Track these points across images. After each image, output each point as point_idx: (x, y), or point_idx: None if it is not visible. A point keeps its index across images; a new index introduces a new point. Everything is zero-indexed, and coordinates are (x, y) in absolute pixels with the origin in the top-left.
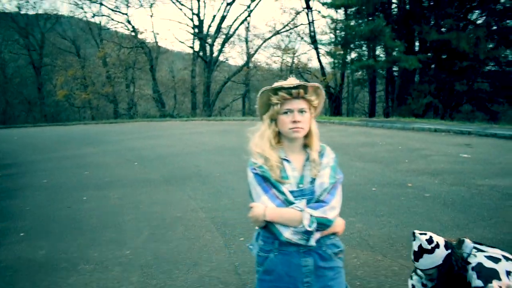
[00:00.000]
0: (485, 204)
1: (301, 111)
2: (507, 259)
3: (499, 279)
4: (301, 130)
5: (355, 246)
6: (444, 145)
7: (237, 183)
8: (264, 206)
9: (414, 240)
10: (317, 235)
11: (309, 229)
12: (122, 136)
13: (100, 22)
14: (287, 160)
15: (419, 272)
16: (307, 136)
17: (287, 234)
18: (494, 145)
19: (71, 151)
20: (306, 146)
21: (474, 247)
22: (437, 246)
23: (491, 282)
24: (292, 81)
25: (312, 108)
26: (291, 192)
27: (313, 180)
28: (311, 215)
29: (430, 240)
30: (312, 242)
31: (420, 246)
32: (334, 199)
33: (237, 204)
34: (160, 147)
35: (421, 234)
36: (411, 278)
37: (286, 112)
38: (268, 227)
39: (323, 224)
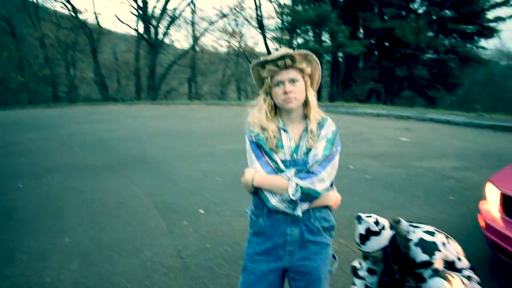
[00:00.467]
0: (422, 184)
1: (292, 80)
2: (438, 232)
3: (439, 250)
4: (293, 100)
5: None
6: (385, 129)
7: (182, 169)
8: (254, 172)
9: (360, 223)
10: (304, 206)
11: (293, 198)
12: (62, 121)
13: (36, 0)
14: (284, 130)
15: (362, 268)
16: (305, 106)
17: (273, 201)
18: (431, 129)
19: (6, 138)
20: (306, 117)
21: (410, 225)
22: (383, 227)
23: (434, 254)
24: (281, 51)
25: (306, 76)
26: (284, 161)
27: (308, 151)
28: (296, 184)
29: (377, 222)
30: (298, 212)
31: (368, 229)
32: (324, 171)
33: (181, 189)
34: (102, 131)
35: (367, 217)
36: (354, 284)
37: (278, 84)
38: (257, 193)
39: (309, 195)
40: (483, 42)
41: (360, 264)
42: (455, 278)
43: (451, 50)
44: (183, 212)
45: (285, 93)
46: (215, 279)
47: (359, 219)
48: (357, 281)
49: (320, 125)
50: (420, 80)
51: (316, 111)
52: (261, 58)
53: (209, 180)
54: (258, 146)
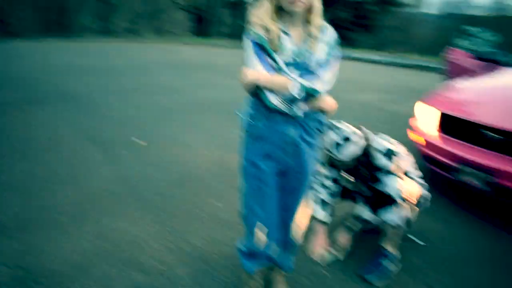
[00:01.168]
0: (357, 116)
1: None
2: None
3: (398, 156)
4: (300, 3)
5: None
6: None
7: (114, 104)
8: (256, 72)
9: (336, 131)
10: (303, 106)
11: (297, 96)
12: None
13: None
14: (286, 33)
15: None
16: (309, 11)
17: (275, 101)
18: (355, 67)
19: None
20: (308, 22)
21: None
22: (360, 137)
23: (393, 159)
24: None
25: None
26: (286, 63)
27: (309, 55)
28: (300, 84)
29: (353, 132)
30: (299, 111)
31: (346, 139)
32: (325, 73)
33: (116, 123)
34: (19, 66)
35: (345, 125)
36: (318, 192)
37: None
38: (258, 94)
39: (310, 94)
40: None
41: (326, 174)
42: (410, 180)
43: None
44: (122, 144)
45: None
46: (167, 202)
47: (334, 127)
48: (322, 190)
49: (322, 31)
50: (341, 22)
51: (319, 17)
52: None
53: (144, 114)
54: (260, 47)
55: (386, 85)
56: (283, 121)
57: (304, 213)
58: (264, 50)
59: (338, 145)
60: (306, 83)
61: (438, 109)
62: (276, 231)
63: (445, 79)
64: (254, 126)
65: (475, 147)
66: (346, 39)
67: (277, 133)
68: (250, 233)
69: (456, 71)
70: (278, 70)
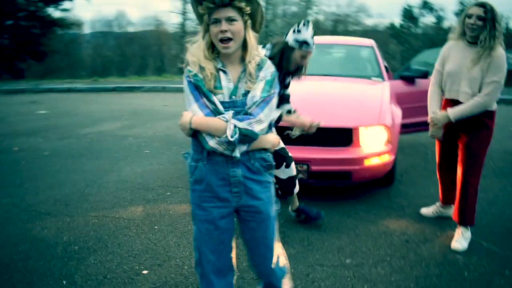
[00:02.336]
0: (109, 148)
1: (230, 19)
2: None
3: None
4: (229, 42)
5: None
6: (9, 105)
7: None
8: (192, 114)
9: (307, 26)
10: (243, 148)
11: (231, 139)
12: None
13: None
14: (223, 71)
15: None
16: (244, 48)
17: (212, 143)
18: (59, 99)
19: None
20: (244, 59)
21: None
22: None
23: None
24: None
25: (245, 16)
26: (223, 103)
27: (247, 93)
28: (235, 126)
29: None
30: (237, 153)
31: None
32: (261, 113)
33: None
34: None
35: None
36: None
37: (214, 22)
38: (196, 136)
39: (247, 136)
40: (68, 4)
41: None
42: None
43: (33, 16)
44: None
45: (222, 32)
46: None
47: (306, 23)
48: None
49: (259, 67)
50: (3, 51)
51: (255, 54)
52: None
53: None
54: (196, 87)
55: (114, 111)
56: (223, 162)
57: (278, 247)
58: (199, 89)
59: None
60: (242, 125)
61: None
62: (228, 272)
63: None
64: (196, 168)
65: (293, 146)
66: (11, 72)
67: (219, 175)
68: (203, 276)
69: None
70: (214, 110)
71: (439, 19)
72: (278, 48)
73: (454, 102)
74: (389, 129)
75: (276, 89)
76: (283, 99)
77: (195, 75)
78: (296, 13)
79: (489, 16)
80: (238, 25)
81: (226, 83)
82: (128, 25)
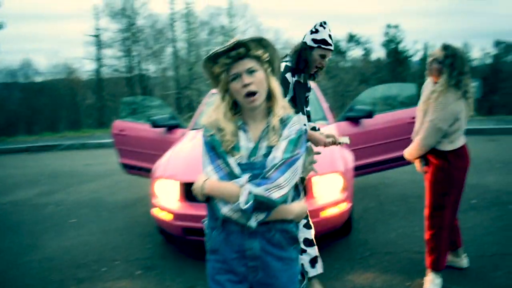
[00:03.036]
0: (26, 219)
1: (250, 71)
2: None
3: None
4: (255, 95)
5: None
6: None
7: None
8: (206, 177)
9: (324, 26)
10: (260, 216)
11: (244, 207)
12: None
13: None
14: (244, 129)
15: None
16: (269, 98)
17: (225, 210)
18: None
19: None
20: (269, 112)
21: None
22: None
23: None
24: (232, 41)
25: (265, 64)
26: (241, 164)
27: (268, 153)
28: (249, 192)
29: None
30: (253, 223)
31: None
32: (281, 177)
33: None
34: None
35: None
36: None
37: (235, 78)
38: (210, 201)
39: (263, 204)
40: None
41: None
42: None
43: None
44: None
45: (245, 86)
46: None
47: (325, 24)
48: None
49: (283, 124)
50: None
51: (281, 105)
52: (211, 52)
53: None
54: (212, 147)
55: (30, 175)
56: (239, 232)
57: None
58: (215, 150)
59: (330, 36)
60: (259, 191)
61: (178, 180)
62: None
63: (118, 153)
64: (210, 236)
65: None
66: None
67: (234, 246)
68: None
69: (129, 143)
70: (230, 174)
71: (367, 51)
72: (295, 49)
73: None
74: (343, 175)
75: (301, 149)
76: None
77: (212, 135)
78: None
79: (448, 62)
80: (260, 75)
81: (246, 143)
82: (35, 74)
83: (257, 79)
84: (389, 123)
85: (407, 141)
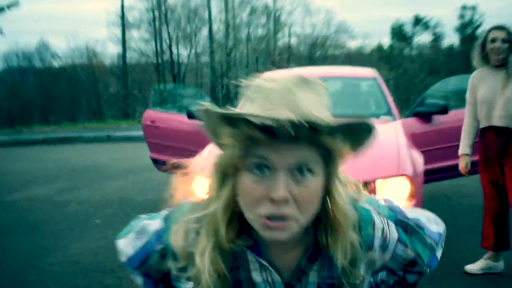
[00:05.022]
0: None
1: (300, 169)
2: None
3: None
4: (287, 226)
5: None
6: None
7: None
8: None
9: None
10: None
11: None
12: None
13: None
14: (257, 259)
15: None
16: (327, 224)
17: None
18: None
19: None
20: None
21: None
22: None
23: None
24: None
25: (333, 161)
26: None
27: None
28: None
29: None
30: None
31: None
32: None
33: None
34: None
35: None
36: None
37: (258, 167)
38: None
39: None
40: None
41: None
42: None
43: None
44: None
45: (273, 201)
46: None
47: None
48: None
49: (365, 240)
50: None
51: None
52: (236, 110)
53: None
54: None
55: (51, 169)
56: None
57: None
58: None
59: None
60: None
61: None
62: None
63: (148, 147)
64: None
65: None
66: None
67: None
68: None
69: (161, 135)
70: None
71: (437, 37)
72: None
73: (491, 129)
74: (411, 180)
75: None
76: None
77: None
78: (262, 37)
79: None
80: (315, 184)
81: (263, 275)
82: (52, 58)
83: (307, 194)
84: None
85: None
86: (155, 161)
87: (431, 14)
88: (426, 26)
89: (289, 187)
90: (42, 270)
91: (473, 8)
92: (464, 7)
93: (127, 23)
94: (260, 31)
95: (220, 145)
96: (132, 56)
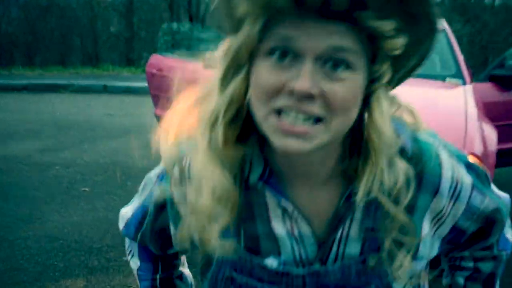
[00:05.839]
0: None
1: (335, 60)
2: None
3: None
4: (309, 133)
5: None
6: None
7: None
8: None
9: None
10: None
11: None
12: None
13: None
14: (279, 201)
15: None
16: (358, 142)
17: None
18: None
19: None
20: (349, 172)
21: None
22: None
23: None
24: None
25: (380, 60)
26: (285, 276)
27: (355, 255)
28: None
29: None
30: None
31: None
32: None
33: None
34: None
35: None
36: None
37: (280, 51)
38: None
39: None
40: None
41: None
42: None
43: None
44: None
45: (292, 94)
46: None
47: None
48: None
49: (428, 181)
50: None
51: (392, 152)
52: None
53: None
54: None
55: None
56: None
57: None
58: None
59: None
60: None
61: None
62: None
63: (153, 101)
64: None
65: None
66: None
67: None
68: None
69: (170, 88)
70: None
71: None
72: None
73: None
74: (482, 159)
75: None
76: None
77: (169, 199)
78: None
79: None
80: (354, 83)
81: (286, 226)
82: None
83: (343, 92)
84: None
85: None
86: (161, 119)
87: None
88: None
89: (317, 80)
90: (14, 245)
91: None
92: None
93: None
94: None
95: (235, 27)
96: None
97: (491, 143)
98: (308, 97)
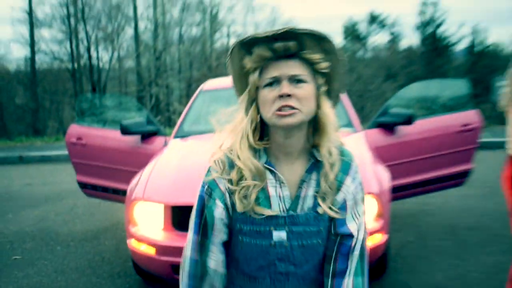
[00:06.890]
0: None
1: (296, 79)
2: None
3: None
4: (293, 113)
5: None
6: None
7: None
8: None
9: None
10: None
11: None
12: None
13: None
14: (271, 171)
15: None
16: (317, 127)
17: None
18: None
19: None
20: (314, 146)
21: None
22: None
23: None
24: (281, 27)
25: (320, 77)
26: (272, 218)
27: (316, 206)
28: None
29: None
30: None
31: None
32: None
33: None
34: None
35: None
36: None
37: (270, 83)
38: None
39: None
40: None
41: None
42: None
43: None
44: None
45: (281, 97)
46: None
47: None
48: None
49: (343, 168)
50: None
51: (334, 139)
52: (248, 35)
53: None
54: (202, 209)
55: None
56: None
57: None
58: (212, 219)
59: None
60: None
61: (163, 202)
62: None
63: (75, 168)
64: None
65: None
66: None
67: None
68: None
69: (90, 155)
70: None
71: (395, 37)
72: None
73: None
74: (378, 197)
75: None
76: None
77: (211, 183)
78: (197, 37)
79: None
80: (309, 88)
81: (277, 190)
82: None
83: (304, 92)
84: (433, 131)
85: (457, 155)
86: (83, 185)
87: (388, 11)
88: (382, 24)
89: (291, 88)
90: None
91: (435, 4)
92: (424, 3)
93: (36, 21)
94: (195, 31)
95: (240, 82)
96: (42, 61)
97: (385, 182)
98: (288, 96)
